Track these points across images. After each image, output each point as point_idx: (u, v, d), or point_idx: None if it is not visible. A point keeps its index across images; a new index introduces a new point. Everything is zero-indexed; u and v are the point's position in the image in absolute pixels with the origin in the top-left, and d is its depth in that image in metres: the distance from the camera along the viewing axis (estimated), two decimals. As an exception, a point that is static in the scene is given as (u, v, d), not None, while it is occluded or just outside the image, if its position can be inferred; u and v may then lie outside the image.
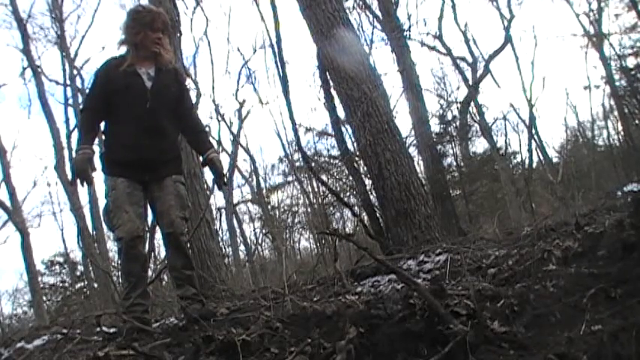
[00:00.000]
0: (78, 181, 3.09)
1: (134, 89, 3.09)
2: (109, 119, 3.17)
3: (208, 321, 2.89)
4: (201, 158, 3.34)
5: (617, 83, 16.96)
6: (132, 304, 2.99)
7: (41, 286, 16.88)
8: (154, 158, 3.13)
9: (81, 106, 3.37)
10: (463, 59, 16.89)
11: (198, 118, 3.53)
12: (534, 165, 17.36)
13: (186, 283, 3.20)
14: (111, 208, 3.06)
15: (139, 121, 3.06)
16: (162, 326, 3.39)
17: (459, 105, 16.96)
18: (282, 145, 21.96)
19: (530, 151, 16.58)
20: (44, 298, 17.58)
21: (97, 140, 3.45)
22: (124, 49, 3.20)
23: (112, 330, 3.25)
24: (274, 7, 7.50)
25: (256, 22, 32.81)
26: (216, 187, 3.44)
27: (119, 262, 3.22)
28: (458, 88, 18.66)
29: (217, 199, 15.68)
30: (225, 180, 3.41)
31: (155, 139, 3.11)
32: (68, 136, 15.40)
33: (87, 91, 3.30)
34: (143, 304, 3.05)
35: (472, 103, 16.27)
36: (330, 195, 11.06)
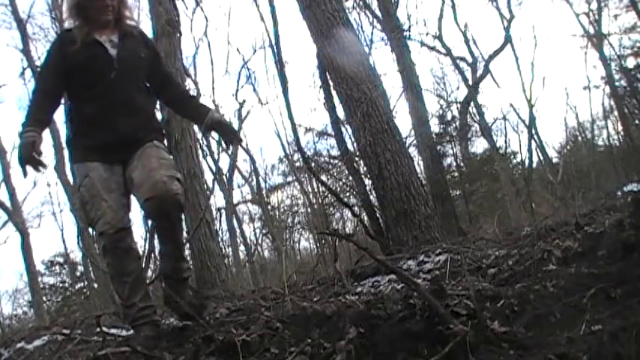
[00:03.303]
0: (28, 168, 2.53)
1: (97, 60, 2.66)
2: (72, 100, 2.74)
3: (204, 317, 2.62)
4: (198, 128, 3.03)
5: (617, 83, 16.98)
6: (140, 309, 2.56)
7: (41, 286, 16.91)
8: (129, 136, 2.66)
9: (33, 88, 2.85)
10: (463, 59, 16.89)
11: (183, 84, 3.20)
12: (534, 165, 17.36)
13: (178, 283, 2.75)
14: (86, 199, 2.57)
15: (107, 95, 2.63)
16: (162, 327, 3.39)
17: (458, 105, 16.98)
18: (282, 145, 21.99)
19: (530, 151, 16.58)
20: (44, 299, 17.60)
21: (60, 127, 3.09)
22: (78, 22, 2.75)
23: (111, 330, 3.24)
24: (273, 7, 7.50)
25: (256, 23, 32.83)
26: (227, 145, 3.03)
27: (105, 262, 2.64)
28: (458, 88, 18.68)
29: (217, 199, 15.70)
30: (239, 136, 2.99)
31: (128, 115, 2.66)
32: (68, 137, 15.40)
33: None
34: (151, 306, 2.63)
35: (472, 103, 16.27)
36: (330, 195, 11.06)
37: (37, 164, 2.52)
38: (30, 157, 2.48)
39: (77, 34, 2.66)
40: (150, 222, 2.79)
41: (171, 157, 2.83)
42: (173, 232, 2.64)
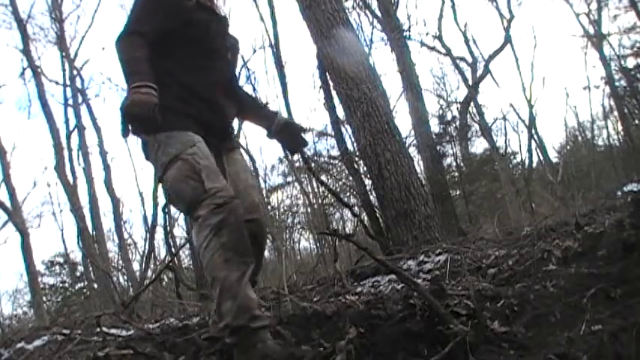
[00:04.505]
0: (134, 128, 2.05)
1: (214, 29, 2.28)
2: (168, 62, 2.17)
3: None
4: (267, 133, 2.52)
5: (617, 83, 16.99)
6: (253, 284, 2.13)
7: (41, 286, 16.89)
8: (227, 125, 2.35)
9: (122, 31, 2.16)
10: (463, 59, 16.89)
11: None
12: (534, 165, 17.37)
13: None
14: (199, 167, 2.04)
15: (215, 72, 2.27)
16: (162, 327, 3.39)
17: (458, 105, 16.98)
18: (282, 145, 21.87)
19: (530, 151, 16.59)
20: (44, 299, 17.59)
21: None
22: None
23: (111, 330, 3.24)
24: (272, 8, 7.51)
25: (256, 23, 32.77)
26: (292, 151, 2.69)
27: (209, 242, 1.99)
28: (458, 88, 18.68)
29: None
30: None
31: (229, 102, 2.34)
32: (68, 137, 15.40)
33: (133, 14, 2.23)
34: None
35: (472, 104, 16.27)
36: (329, 195, 11.06)
37: (154, 125, 2.02)
38: (150, 114, 1.98)
39: None
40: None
41: None
42: (262, 246, 2.33)
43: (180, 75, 2.18)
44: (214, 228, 1.98)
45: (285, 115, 2.60)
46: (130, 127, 2.04)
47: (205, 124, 2.19)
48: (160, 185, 2.24)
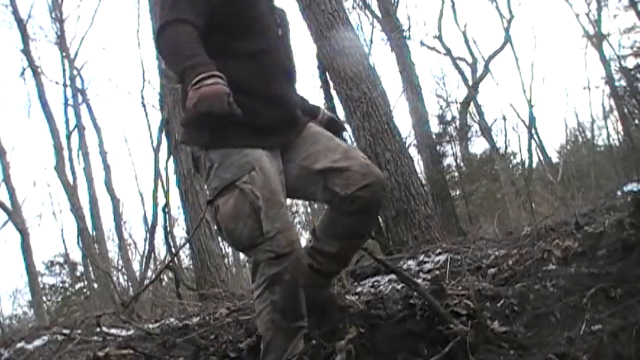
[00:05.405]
0: (215, 123, 1.71)
1: (264, 5, 1.95)
2: (215, 55, 1.76)
3: None
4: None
5: (617, 83, 16.99)
6: None
7: (41, 286, 16.90)
8: (293, 114, 1.99)
9: (161, 23, 1.78)
10: (463, 59, 16.91)
11: None
12: (534, 165, 17.40)
13: (330, 285, 2.12)
14: (258, 203, 1.77)
15: (272, 56, 1.91)
16: (162, 327, 3.39)
17: (458, 105, 16.99)
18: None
19: (530, 151, 16.62)
20: (44, 299, 17.59)
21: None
22: None
23: (111, 330, 3.24)
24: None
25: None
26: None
27: (261, 293, 1.84)
28: (458, 88, 18.71)
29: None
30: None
31: (292, 86, 2.02)
32: (68, 137, 15.42)
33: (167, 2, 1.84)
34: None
35: (472, 103, 16.28)
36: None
37: (232, 119, 1.68)
38: (225, 107, 1.64)
39: None
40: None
41: None
42: (374, 218, 2.07)
43: (227, 69, 1.75)
44: (267, 280, 1.80)
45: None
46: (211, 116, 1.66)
47: (272, 123, 1.88)
48: (208, 207, 1.96)
